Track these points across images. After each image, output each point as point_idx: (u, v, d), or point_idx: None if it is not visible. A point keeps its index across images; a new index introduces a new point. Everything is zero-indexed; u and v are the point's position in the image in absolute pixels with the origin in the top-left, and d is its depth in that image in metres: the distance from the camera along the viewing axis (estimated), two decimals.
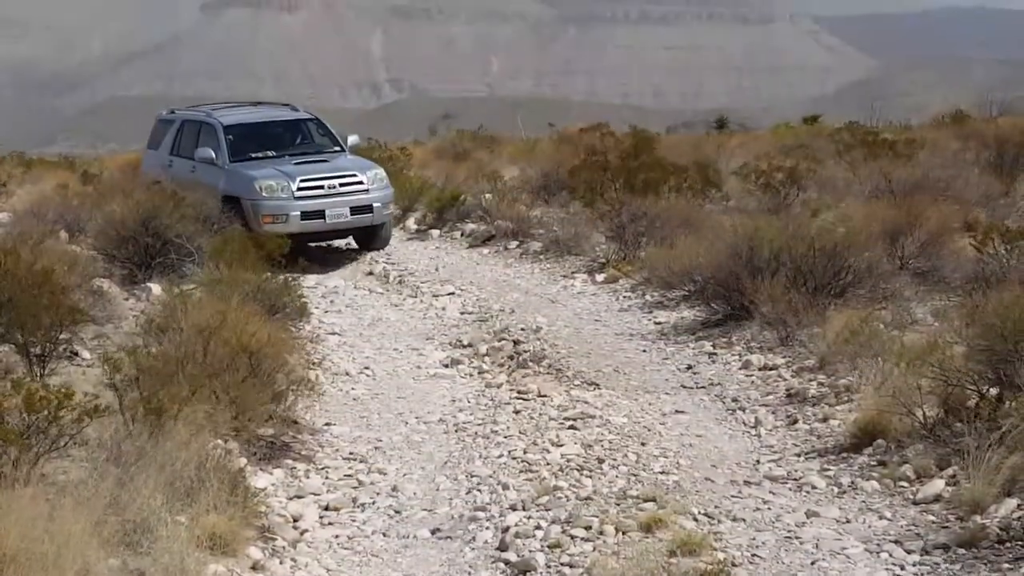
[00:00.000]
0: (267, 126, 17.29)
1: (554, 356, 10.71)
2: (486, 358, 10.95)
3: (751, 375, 9.85)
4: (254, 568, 6.43)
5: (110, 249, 14.03)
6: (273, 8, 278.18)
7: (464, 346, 11.48)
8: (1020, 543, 6.18)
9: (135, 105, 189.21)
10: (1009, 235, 11.10)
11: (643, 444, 8.20)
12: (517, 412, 9.08)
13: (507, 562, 6.50)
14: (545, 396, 9.41)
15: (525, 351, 10.94)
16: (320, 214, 15.69)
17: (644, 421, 8.81)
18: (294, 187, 15.61)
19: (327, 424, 9.17)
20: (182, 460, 6.57)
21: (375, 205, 15.97)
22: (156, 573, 5.77)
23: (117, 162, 27.55)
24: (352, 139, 17.35)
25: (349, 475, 8.12)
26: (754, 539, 6.61)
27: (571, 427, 8.55)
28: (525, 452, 8.12)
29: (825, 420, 8.50)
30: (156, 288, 12.81)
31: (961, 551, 6.26)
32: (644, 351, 11.06)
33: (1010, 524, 6.34)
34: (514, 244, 16.45)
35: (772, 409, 8.98)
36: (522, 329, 11.77)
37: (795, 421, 8.64)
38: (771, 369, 9.86)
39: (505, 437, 8.49)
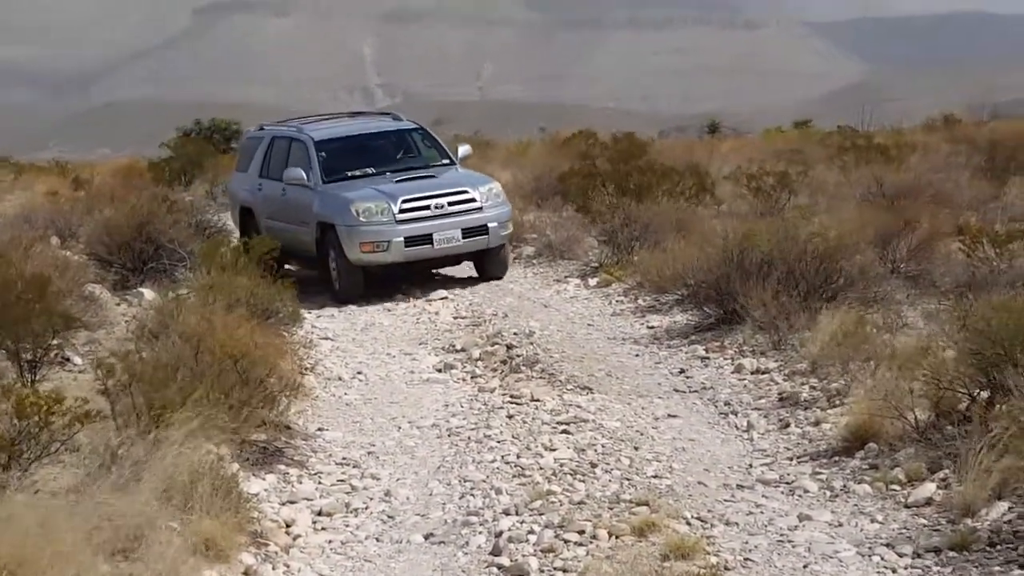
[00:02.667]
0: (364, 139, 15.44)
1: (547, 360, 10.71)
2: (479, 363, 10.95)
3: (743, 379, 9.86)
4: (247, 573, 6.43)
5: (102, 254, 14.03)
6: (265, 12, 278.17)
7: (457, 351, 11.48)
8: (1011, 546, 6.18)
9: (128, 110, 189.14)
10: (998, 239, 11.13)
11: (636, 448, 8.20)
12: (510, 417, 9.07)
13: (500, 567, 6.49)
14: (538, 400, 9.40)
15: (518, 356, 10.94)
16: (427, 239, 13.94)
17: (637, 425, 8.81)
18: (396, 209, 13.88)
19: (320, 429, 9.17)
20: (175, 466, 6.56)
21: (491, 225, 14.17)
22: None
23: (109, 167, 27.60)
24: (463, 149, 15.46)
25: (342, 480, 8.11)
26: (747, 543, 6.61)
27: (564, 431, 8.55)
28: (518, 457, 8.12)
29: (817, 424, 8.51)
30: (148, 293, 12.81)
31: (952, 554, 6.27)
32: (637, 355, 11.07)
33: (1001, 527, 6.35)
34: None
35: (764, 413, 8.99)
36: (515, 334, 11.77)
37: (787, 425, 8.65)
38: (763, 373, 9.87)
39: (498, 442, 8.48)
